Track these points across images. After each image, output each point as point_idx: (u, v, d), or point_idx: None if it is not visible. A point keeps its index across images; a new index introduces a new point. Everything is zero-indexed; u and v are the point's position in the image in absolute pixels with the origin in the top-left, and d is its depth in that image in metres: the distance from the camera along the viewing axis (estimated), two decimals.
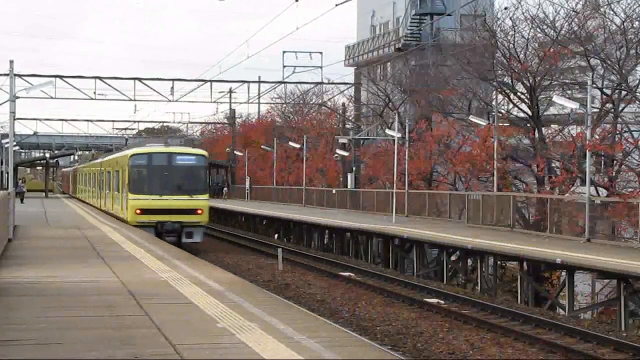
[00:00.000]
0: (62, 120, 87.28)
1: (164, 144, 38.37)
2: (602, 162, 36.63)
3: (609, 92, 35.83)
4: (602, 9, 36.36)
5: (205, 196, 35.50)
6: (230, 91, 72.45)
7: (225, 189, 73.88)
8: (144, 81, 57.91)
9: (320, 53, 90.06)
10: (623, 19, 35.16)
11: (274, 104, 77.91)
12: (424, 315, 20.69)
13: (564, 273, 24.80)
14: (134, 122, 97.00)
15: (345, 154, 54.63)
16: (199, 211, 34.76)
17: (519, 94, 39.55)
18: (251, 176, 71.78)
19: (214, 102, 65.25)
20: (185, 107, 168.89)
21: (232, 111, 78.51)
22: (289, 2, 43.70)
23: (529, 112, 38.79)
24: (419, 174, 46.30)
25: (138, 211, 34.61)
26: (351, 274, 28.26)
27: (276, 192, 65.20)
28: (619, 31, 35.05)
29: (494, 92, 39.28)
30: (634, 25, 35.23)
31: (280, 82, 68.03)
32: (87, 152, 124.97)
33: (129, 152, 37.64)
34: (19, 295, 15.17)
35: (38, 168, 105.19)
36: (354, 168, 57.56)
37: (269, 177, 71.09)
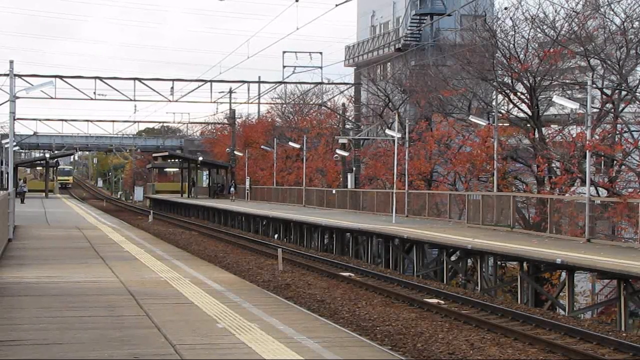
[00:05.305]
0: (62, 120, 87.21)
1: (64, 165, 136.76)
2: (602, 163, 36.61)
3: (609, 92, 35.81)
4: (602, 9, 36.32)
5: (71, 177, 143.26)
6: (230, 91, 72.45)
7: (232, 189, 73.66)
8: (144, 81, 57.93)
9: (320, 53, 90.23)
10: (623, 19, 35.13)
11: (274, 104, 77.98)
12: (424, 315, 20.67)
13: (564, 273, 24.79)
14: (134, 122, 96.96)
15: (345, 154, 54.61)
16: (70, 180, 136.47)
17: (519, 94, 39.53)
18: (251, 176, 71.77)
19: (214, 102, 65.32)
20: (185, 107, 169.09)
21: (232, 111, 78.47)
22: (289, 2, 43.80)
23: (529, 112, 38.76)
24: (419, 174, 46.29)
25: (59, 180, 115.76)
26: (351, 274, 28.23)
27: (276, 192, 65.17)
28: (619, 31, 35.01)
29: (494, 92, 39.23)
30: (634, 25, 35.19)
31: (280, 82, 68.07)
32: (87, 152, 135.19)
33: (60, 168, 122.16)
34: (20, 295, 15.19)
35: (38, 168, 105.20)
36: (353, 168, 57.56)
37: (269, 177, 71.07)
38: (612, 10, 35.81)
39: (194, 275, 18.36)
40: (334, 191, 54.48)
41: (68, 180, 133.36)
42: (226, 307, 13.73)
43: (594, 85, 32.58)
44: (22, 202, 61.50)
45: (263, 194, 68.25)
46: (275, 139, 68.13)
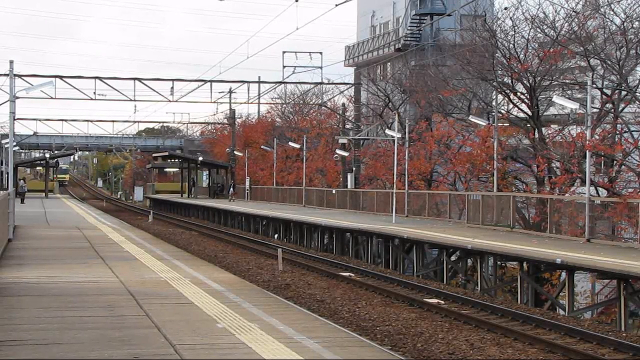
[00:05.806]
0: (62, 120, 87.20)
1: (62, 164, 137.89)
2: (602, 162, 36.61)
3: (609, 92, 35.82)
4: (602, 9, 36.33)
5: (68, 175, 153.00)
6: (230, 91, 72.44)
7: (232, 189, 73.58)
8: (144, 81, 57.92)
9: (320, 53, 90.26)
10: (623, 19, 35.14)
11: (274, 104, 78.00)
12: (424, 315, 20.67)
13: (564, 273, 24.78)
14: (134, 122, 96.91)
15: (345, 154, 54.61)
16: (67, 178, 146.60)
17: (519, 94, 39.53)
18: (251, 176, 71.75)
19: (214, 102, 65.30)
20: (185, 107, 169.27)
21: (232, 111, 78.47)
22: (289, 2, 43.83)
23: (529, 112, 38.76)
24: (419, 174, 46.29)
25: (57, 178, 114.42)
26: (351, 274, 28.24)
27: (276, 192, 65.17)
28: (619, 31, 35.02)
29: (494, 92, 39.23)
30: (634, 25, 35.20)
31: (280, 82, 68.07)
32: (87, 152, 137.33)
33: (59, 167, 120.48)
34: (20, 295, 15.19)
35: (38, 168, 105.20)
36: (353, 168, 57.55)
37: (269, 177, 71.05)
38: (612, 10, 35.83)
39: (194, 275, 18.36)
40: (334, 191, 54.48)
41: (65, 178, 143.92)
42: (226, 307, 13.73)
43: (594, 85, 32.58)
44: (22, 202, 61.50)
45: (263, 194, 68.24)
46: (275, 139, 68.11)
